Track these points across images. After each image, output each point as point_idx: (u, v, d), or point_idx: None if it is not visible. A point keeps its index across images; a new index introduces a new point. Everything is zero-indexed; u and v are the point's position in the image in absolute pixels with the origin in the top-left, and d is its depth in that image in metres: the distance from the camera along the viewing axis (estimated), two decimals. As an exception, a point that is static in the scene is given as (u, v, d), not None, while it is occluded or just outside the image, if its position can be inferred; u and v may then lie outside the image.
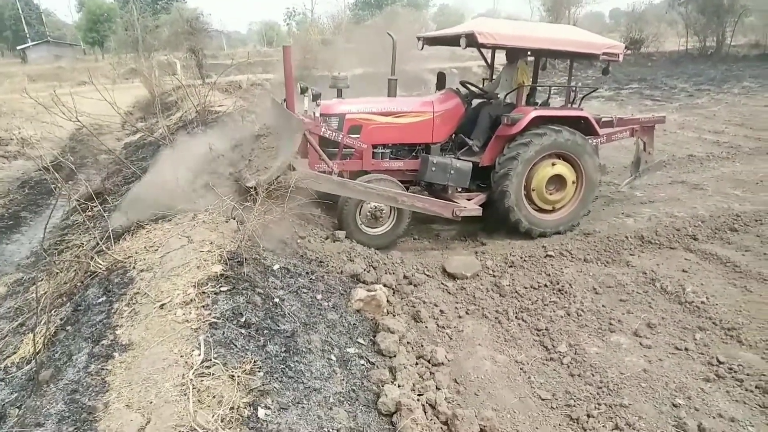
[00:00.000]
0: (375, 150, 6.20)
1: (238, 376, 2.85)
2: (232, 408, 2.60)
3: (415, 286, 5.19)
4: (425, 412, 3.37)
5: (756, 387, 3.70)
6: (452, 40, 6.00)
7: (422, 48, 6.90)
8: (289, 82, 5.49)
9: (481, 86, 7.10)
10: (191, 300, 3.45)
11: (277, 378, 3.01)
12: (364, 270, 5.10)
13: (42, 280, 4.53)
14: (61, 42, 52.31)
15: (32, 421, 2.59)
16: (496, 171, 6.10)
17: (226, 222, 4.72)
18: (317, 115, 5.73)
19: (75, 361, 3.01)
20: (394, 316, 4.54)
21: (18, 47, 49.16)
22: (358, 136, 6.03)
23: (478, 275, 5.46)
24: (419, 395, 3.53)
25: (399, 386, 3.51)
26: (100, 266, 4.15)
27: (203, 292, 3.55)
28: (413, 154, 6.41)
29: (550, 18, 33.61)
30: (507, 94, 6.53)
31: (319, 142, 5.72)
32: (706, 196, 7.52)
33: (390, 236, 5.98)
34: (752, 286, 5.05)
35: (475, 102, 6.83)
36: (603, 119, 7.18)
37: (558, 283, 5.24)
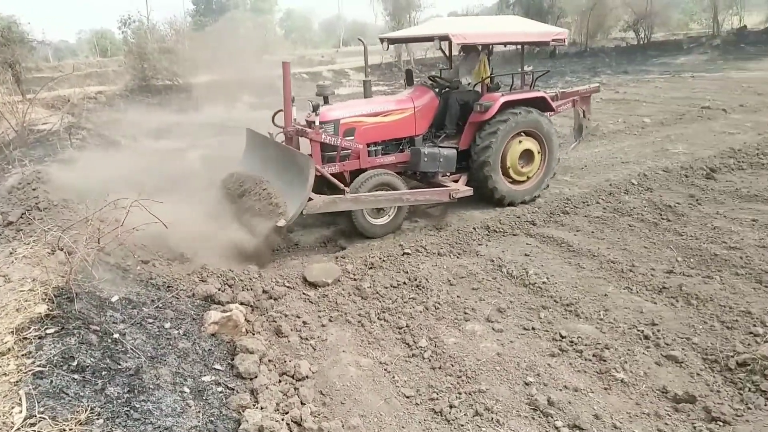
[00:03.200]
0: (369, 149, 6.81)
1: (71, 429, 2.51)
2: (63, 468, 2.28)
3: (275, 299, 5.02)
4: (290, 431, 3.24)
5: (593, 356, 4.03)
6: (421, 41, 6.96)
7: (387, 48, 7.84)
8: (287, 99, 5.98)
9: (441, 77, 7.87)
10: (8, 350, 2.99)
11: (120, 423, 2.71)
12: (219, 290, 4.83)
13: None
14: None
15: None
16: (474, 158, 7.02)
17: (52, 254, 4.21)
18: (317, 123, 6.22)
19: None
20: (253, 334, 4.33)
21: None
22: (352, 138, 6.58)
23: (339, 281, 5.42)
24: (284, 414, 3.40)
25: (261, 408, 3.34)
26: None
27: (24, 338, 3.10)
28: (400, 147, 7.16)
29: (394, 22, 34.65)
30: (474, 86, 7.46)
31: (320, 148, 6.34)
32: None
33: (394, 224, 6.59)
34: (584, 263, 5.57)
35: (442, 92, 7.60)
36: (550, 94, 8.12)
37: (416, 279, 5.36)
